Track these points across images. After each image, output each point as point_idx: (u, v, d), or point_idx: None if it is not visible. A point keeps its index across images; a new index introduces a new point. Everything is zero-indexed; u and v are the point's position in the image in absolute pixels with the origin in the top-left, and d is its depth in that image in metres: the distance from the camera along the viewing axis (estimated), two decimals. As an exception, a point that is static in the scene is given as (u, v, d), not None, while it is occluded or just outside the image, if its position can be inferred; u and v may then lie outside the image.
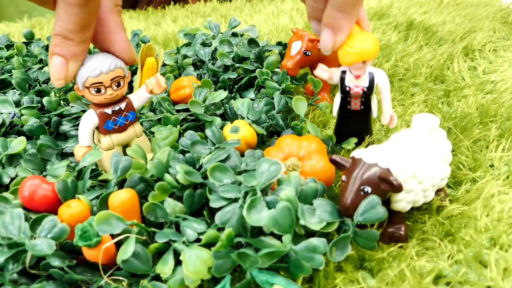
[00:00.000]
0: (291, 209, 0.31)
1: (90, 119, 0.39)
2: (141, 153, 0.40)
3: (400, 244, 0.34)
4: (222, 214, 0.32)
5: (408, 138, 0.35)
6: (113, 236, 0.32)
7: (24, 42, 0.71)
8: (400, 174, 0.32)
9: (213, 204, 0.33)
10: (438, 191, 0.38)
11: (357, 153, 0.33)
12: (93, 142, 0.40)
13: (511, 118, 0.49)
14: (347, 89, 0.41)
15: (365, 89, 0.41)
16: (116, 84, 0.37)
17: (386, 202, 0.34)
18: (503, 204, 0.36)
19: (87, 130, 0.39)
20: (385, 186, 0.31)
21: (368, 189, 0.31)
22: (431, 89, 0.57)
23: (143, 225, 0.33)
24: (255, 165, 0.36)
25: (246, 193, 0.33)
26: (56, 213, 0.34)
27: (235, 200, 0.33)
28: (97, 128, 0.40)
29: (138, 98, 0.41)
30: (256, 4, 1.02)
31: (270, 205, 0.32)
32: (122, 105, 0.39)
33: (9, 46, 0.71)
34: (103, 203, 0.35)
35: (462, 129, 0.47)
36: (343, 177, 0.33)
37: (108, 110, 0.39)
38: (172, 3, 1.09)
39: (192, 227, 0.33)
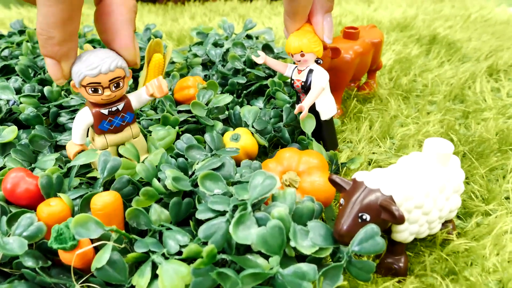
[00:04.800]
0: (283, 228, 0.29)
1: (84, 117, 0.37)
2: (134, 152, 0.39)
3: (397, 278, 0.32)
4: (207, 228, 0.29)
5: (417, 164, 0.32)
6: (92, 240, 0.30)
7: (37, 28, 0.70)
8: (404, 203, 0.30)
9: (199, 215, 0.31)
10: (445, 222, 0.35)
11: (359, 175, 0.31)
12: (87, 138, 0.39)
13: (533, 148, 0.46)
14: (292, 81, 0.43)
15: (303, 83, 0.42)
16: (115, 85, 0.35)
17: (387, 231, 0.31)
18: (516, 243, 0.33)
19: (80, 129, 0.37)
20: (386, 215, 0.29)
21: (367, 216, 0.29)
22: (449, 109, 0.54)
23: (123, 231, 0.31)
24: (249, 177, 0.34)
25: (235, 207, 0.31)
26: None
27: (223, 213, 0.31)
28: (92, 126, 0.38)
29: (137, 99, 0.39)
30: (276, 7, 1.00)
31: (260, 222, 0.30)
32: (120, 106, 0.37)
33: (22, 31, 0.71)
34: (85, 204, 0.33)
35: (479, 155, 0.44)
36: (341, 200, 0.30)
37: (105, 111, 0.37)
38: (192, -1, 1.07)
39: (175, 239, 0.31)
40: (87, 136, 0.39)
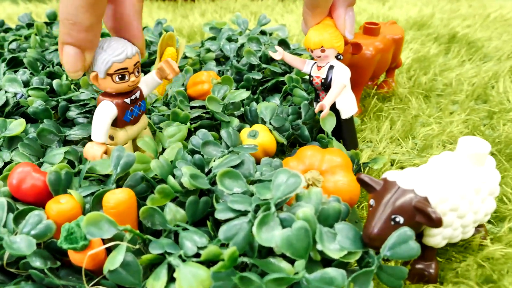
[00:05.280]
0: (309, 230, 0.27)
1: (108, 111, 0.34)
2: (152, 146, 0.37)
3: (429, 286, 0.30)
4: (227, 229, 0.27)
5: (451, 164, 0.30)
6: (104, 240, 0.28)
7: (45, 23, 0.69)
8: (439, 205, 0.27)
9: (219, 215, 0.29)
10: (477, 227, 0.33)
11: (391, 175, 0.29)
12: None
13: None
14: (311, 78, 0.42)
15: (323, 80, 0.40)
16: (137, 70, 0.34)
17: (418, 235, 0.29)
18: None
19: (105, 123, 0.34)
20: (421, 218, 0.26)
21: (400, 219, 0.27)
22: (472, 109, 0.52)
23: (137, 231, 0.29)
24: (271, 176, 0.32)
25: (257, 207, 0.29)
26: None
27: (244, 213, 0.29)
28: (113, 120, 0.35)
29: (146, 85, 0.37)
30: (288, 4, 0.98)
31: (284, 223, 0.28)
32: (137, 94, 0.36)
33: (30, 25, 0.69)
34: (97, 202, 0.31)
35: (508, 157, 0.42)
36: (371, 201, 0.28)
37: (127, 100, 0.35)
38: (202, -4, 1.05)
39: (192, 240, 0.29)
40: None
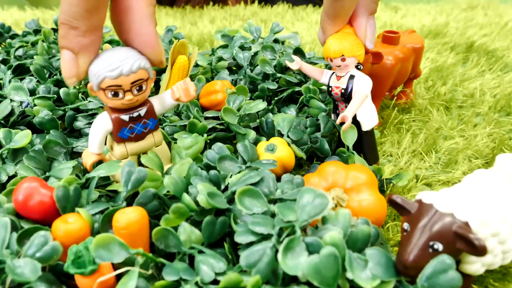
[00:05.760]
0: (338, 257, 0.24)
1: (102, 124, 0.33)
2: (157, 162, 0.35)
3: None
4: (249, 254, 0.25)
5: (489, 184, 0.28)
6: (114, 264, 0.26)
7: (53, 29, 0.67)
8: (480, 230, 0.25)
9: (239, 238, 0.27)
10: (515, 251, 0.31)
11: (427, 196, 0.26)
12: (105, 146, 0.35)
13: None
14: (330, 89, 0.40)
15: (343, 90, 0.38)
16: (137, 88, 0.31)
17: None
18: None
19: (98, 136, 0.33)
20: (463, 245, 0.24)
21: (438, 246, 0.24)
22: (497, 121, 0.49)
23: (150, 255, 0.26)
24: (293, 194, 0.29)
25: (281, 230, 0.26)
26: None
27: (267, 236, 0.26)
28: (110, 133, 0.34)
29: (161, 104, 0.35)
30: (298, 12, 0.96)
31: (310, 249, 0.25)
32: (142, 111, 0.33)
33: (37, 31, 0.68)
34: (107, 221, 0.29)
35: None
36: (405, 225, 0.26)
37: (125, 117, 0.32)
38: (211, 3, 1.04)
39: (209, 264, 0.27)
40: (105, 144, 0.35)
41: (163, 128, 0.42)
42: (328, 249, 0.24)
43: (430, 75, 0.61)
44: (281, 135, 0.40)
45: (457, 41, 0.72)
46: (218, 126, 0.42)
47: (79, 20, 0.28)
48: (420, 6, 0.98)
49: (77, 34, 0.28)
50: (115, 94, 0.30)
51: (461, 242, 0.24)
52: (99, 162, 0.34)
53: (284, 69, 0.51)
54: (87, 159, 0.33)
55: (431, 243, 0.25)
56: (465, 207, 0.25)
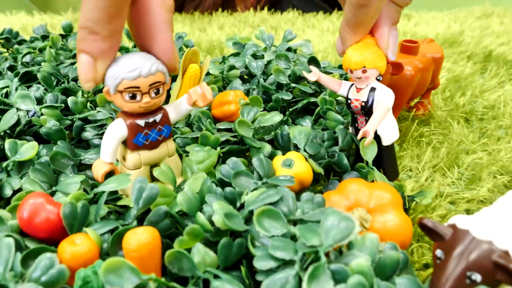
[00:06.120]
0: (367, 287, 0.23)
1: (118, 130, 0.32)
2: (171, 176, 0.33)
3: None
4: (271, 283, 0.23)
5: (528, 207, 0.26)
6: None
7: (61, 35, 0.66)
8: (521, 258, 0.23)
9: (259, 264, 0.25)
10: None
11: (462, 221, 0.24)
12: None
13: None
14: (349, 101, 0.38)
15: (363, 103, 0.37)
16: (155, 91, 0.30)
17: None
18: None
19: (112, 144, 0.32)
20: (503, 276, 0.22)
21: (477, 276, 0.22)
22: (522, 135, 0.47)
23: (163, 280, 0.25)
24: (314, 215, 0.28)
25: (303, 255, 0.25)
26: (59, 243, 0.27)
27: (289, 262, 0.25)
28: (123, 142, 0.32)
29: (176, 110, 0.34)
30: (309, 19, 0.95)
31: (336, 277, 0.23)
32: (158, 117, 0.32)
33: (45, 37, 0.66)
34: (117, 241, 0.27)
35: None
36: (438, 252, 0.24)
37: (141, 122, 0.32)
38: (220, 9, 1.03)
39: (226, 290, 0.25)
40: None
41: (174, 140, 0.40)
42: (356, 278, 0.23)
43: (448, 86, 0.59)
44: (297, 149, 0.39)
45: (473, 50, 0.70)
46: (231, 138, 0.40)
47: (101, 25, 0.27)
48: (433, 14, 0.96)
49: (97, 39, 0.28)
50: (133, 97, 0.30)
51: (501, 273, 0.22)
52: (110, 174, 0.33)
53: (298, 79, 0.50)
54: (99, 169, 0.32)
55: (468, 273, 0.23)
56: (505, 234, 0.23)
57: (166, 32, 0.30)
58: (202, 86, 0.33)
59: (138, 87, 0.29)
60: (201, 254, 0.27)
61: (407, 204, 0.37)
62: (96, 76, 0.29)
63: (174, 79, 0.55)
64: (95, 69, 0.29)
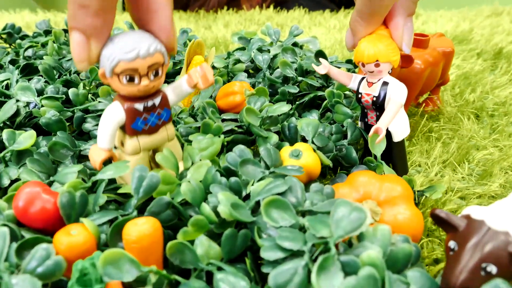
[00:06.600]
0: (378, 279, 0.21)
1: (115, 114, 0.30)
2: (173, 162, 0.32)
3: None
4: (279, 274, 0.22)
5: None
6: (123, 283, 0.23)
7: (64, 30, 0.65)
8: (540, 251, 0.22)
9: (266, 254, 0.24)
10: None
11: (477, 212, 0.23)
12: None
13: None
14: (359, 96, 0.37)
15: (374, 98, 0.35)
16: (154, 72, 0.29)
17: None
18: None
19: (109, 129, 0.30)
20: (523, 268, 0.21)
21: (492, 268, 0.21)
22: (534, 132, 0.46)
23: (164, 272, 0.24)
24: (324, 206, 0.26)
25: (312, 246, 0.23)
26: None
27: (297, 253, 0.23)
28: (121, 127, 0.31)
29: (175, 92, 0.32)
30: (315, 17, 0.94)
31: (346, 269, 0.22)
32: (157, 100, 0.31)
33: (47, 32, 0.66)
34: (116, 232, 0.26)
35: None
36: (451, 243, 0.23)
37: (139, 106, 0.30)
38: (225, 7, 1.02)
39: (230, 283, 0.24)
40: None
41: (176, 130, 0.39)
42: (367, 270, 0.21)
43: (457, 82, 0.58)
44: (305, 141, 0.37)
45: (483, 47, 0.69)
46: (236, 128, 0.39)
47: None
48: (441, 13, 0.95)
49: (87, 13, 0.26)
50: (131, 79, 0.28)
51: (521, 266, 0.21)
52: (108, 161, 0.32)
53: (305, 73, 0.48)
54: (97, 156, 0.30)
55: (483, 265, 0.21)
56: (524, 225, 0.22)
57: (166, 8, 0.29)
58: (202, 66, 0.31)
59: (136, 69, 0.28)
60: (204, 246, 0.26)
61: (416, 199, 0.35)
62: (90, 56, 0.27)
63: (178, 72, 0.54)
64: (88, 48, 0.27)
